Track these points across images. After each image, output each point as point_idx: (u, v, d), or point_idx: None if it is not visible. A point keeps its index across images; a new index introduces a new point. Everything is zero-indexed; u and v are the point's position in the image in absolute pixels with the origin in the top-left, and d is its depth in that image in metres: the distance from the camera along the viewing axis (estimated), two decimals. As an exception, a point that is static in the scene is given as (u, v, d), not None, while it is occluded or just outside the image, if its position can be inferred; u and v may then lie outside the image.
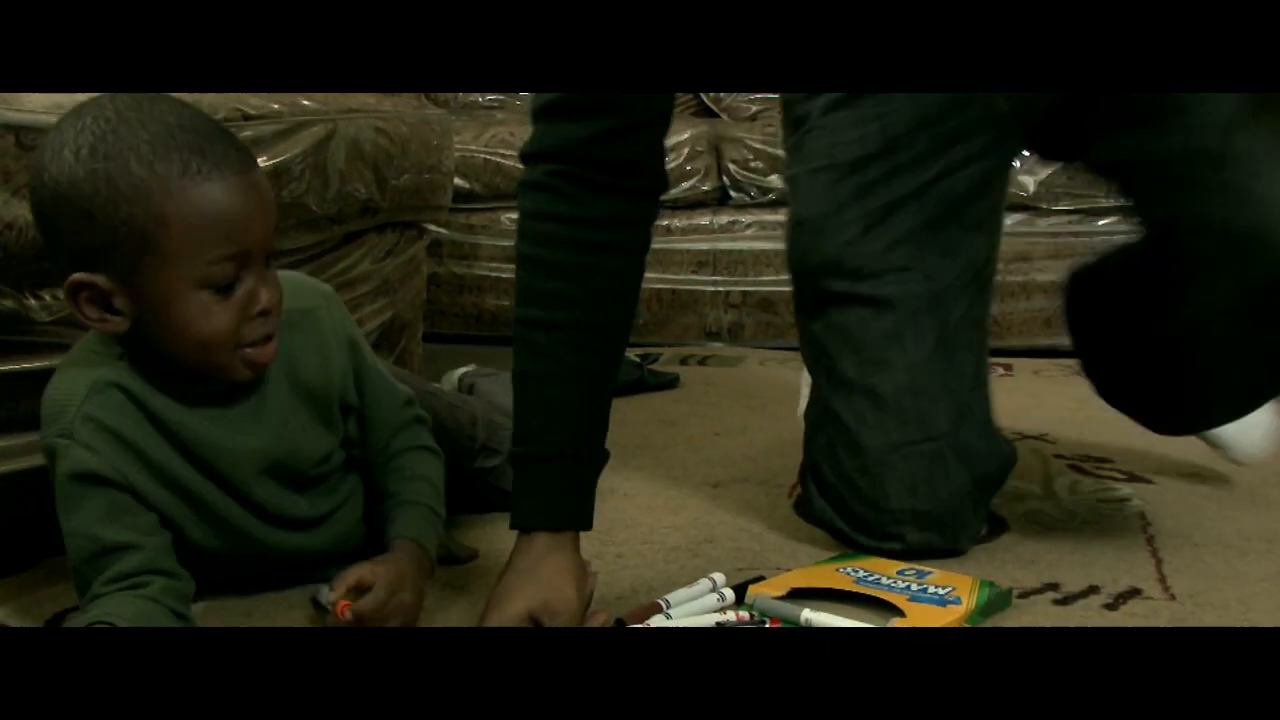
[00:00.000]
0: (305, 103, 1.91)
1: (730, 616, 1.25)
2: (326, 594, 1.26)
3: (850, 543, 1.47)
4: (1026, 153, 2.87)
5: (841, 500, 1.48)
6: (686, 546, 1.50)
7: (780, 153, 3.00)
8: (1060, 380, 2.62)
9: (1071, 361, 2.82)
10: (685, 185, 3.07)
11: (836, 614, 1.22)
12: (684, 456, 1.94)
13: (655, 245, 2.98)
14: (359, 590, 1.18)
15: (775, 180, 3.04)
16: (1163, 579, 1.38)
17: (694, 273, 3.07)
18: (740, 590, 1.30)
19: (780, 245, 3.00)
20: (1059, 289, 1.70)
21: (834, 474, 1.49)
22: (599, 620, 1.21)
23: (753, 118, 3.46)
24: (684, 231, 3.08)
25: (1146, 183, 1.36)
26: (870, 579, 1.33)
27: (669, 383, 2.53)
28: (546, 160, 1.26)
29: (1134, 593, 1.34)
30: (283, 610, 1.32)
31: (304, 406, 1.29)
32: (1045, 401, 2.37)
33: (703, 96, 3.62)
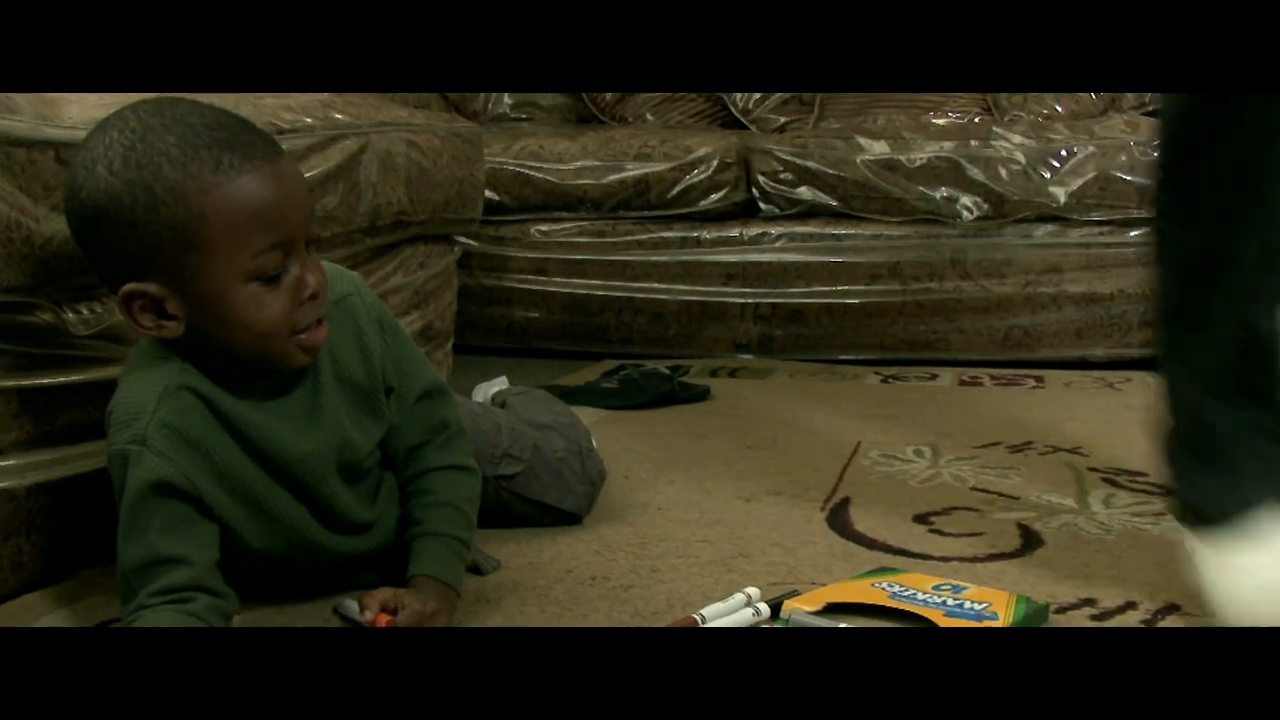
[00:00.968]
0: (338, 116, 1.92)
1: (766, 631, 1.24)
2: (352, 608, 1.27)
3: None
4: (1057, 163, 2.89)
5: None
6: (721, 561, 1.50)
7: (811, 164, 3.00)
8: (1092, 392, 2.61)
9: (1103, 373, 2.82)
10: (714, 197, 3.06)
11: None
12: (716, 470, 1.94)
13: (684, 257, 3.05)
14: (388, 611, 1.20)
15: (805, 192, 3.03)
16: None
17: (723, 285, 3.07)
18: (775, 605, 1.30)
19: (810, 257, 3.02)
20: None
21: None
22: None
23: (781, 129, 3.45)
24: (713, 244, 3.08)
25: None
26: (906, 594, 1.32)
27: (700, 395, 2.52)
28: None
29: (1172, 608, 1.33)
30: (316, 622, 1.32)
31: (351, 397, 1.30)
32: (1078, 414, 2.36)
33: (731, 108, 3.62)
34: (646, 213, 3.09)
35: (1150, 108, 3.38)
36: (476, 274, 3.12)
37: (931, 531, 1.62)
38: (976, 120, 3.37)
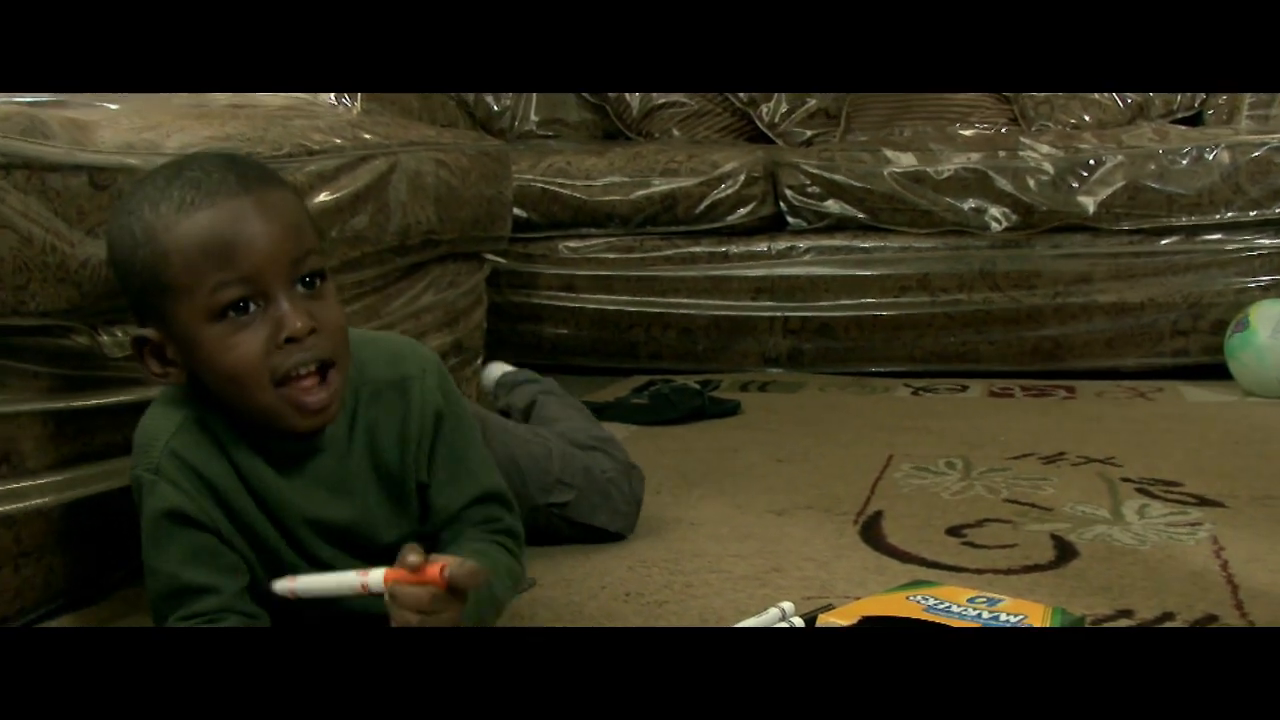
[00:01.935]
0: (366, 136, 1.94)
1: (801, 646, 1.24)
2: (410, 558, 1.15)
3: None
4: (1085, 172, 2.88)
5: None
6: (754, 575, 1.50)
7: (839, 177, 3.00)
8: (1124, 402, 2.59)
9: (1135, 383, 2.81)
10: (742, 212, 3.06)
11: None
12: (748, 484, 1.94)
13: (713, 272, 3.05)
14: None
15: (832, 205, 3.03)
16: (1239, 604, 1.36)
17: (752, 299, 3.07)
18: (810, 619, 1.30)
19: (839, 270, 3.02)
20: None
21: None
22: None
23: (808, 143, 3.46)
24: (741, 258, 3.08)
25: None
26: (941, 607, 1.31)
27: (730, 410, 2.52)
28: None
29: (1210, 619, 1.32)
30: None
31: (381, 484, 1.24)
32: (1110, 424, 2.35)
33: (757, 122, 3.62)
34: (674, 228, 3.10)
35: (1178, 115, 3.38)
36: (505, 291, 3.13)
37: (965, 544, 1.61)
38: (1004, 131, 3.36)
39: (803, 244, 3.06)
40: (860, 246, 3.03)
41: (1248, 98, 3.27)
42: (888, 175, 2.99)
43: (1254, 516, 1.70)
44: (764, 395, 2.77)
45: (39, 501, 1.36)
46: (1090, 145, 2.95)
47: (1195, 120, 3.35)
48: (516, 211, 2.88)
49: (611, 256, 3.13)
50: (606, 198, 3.10)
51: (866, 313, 3.01)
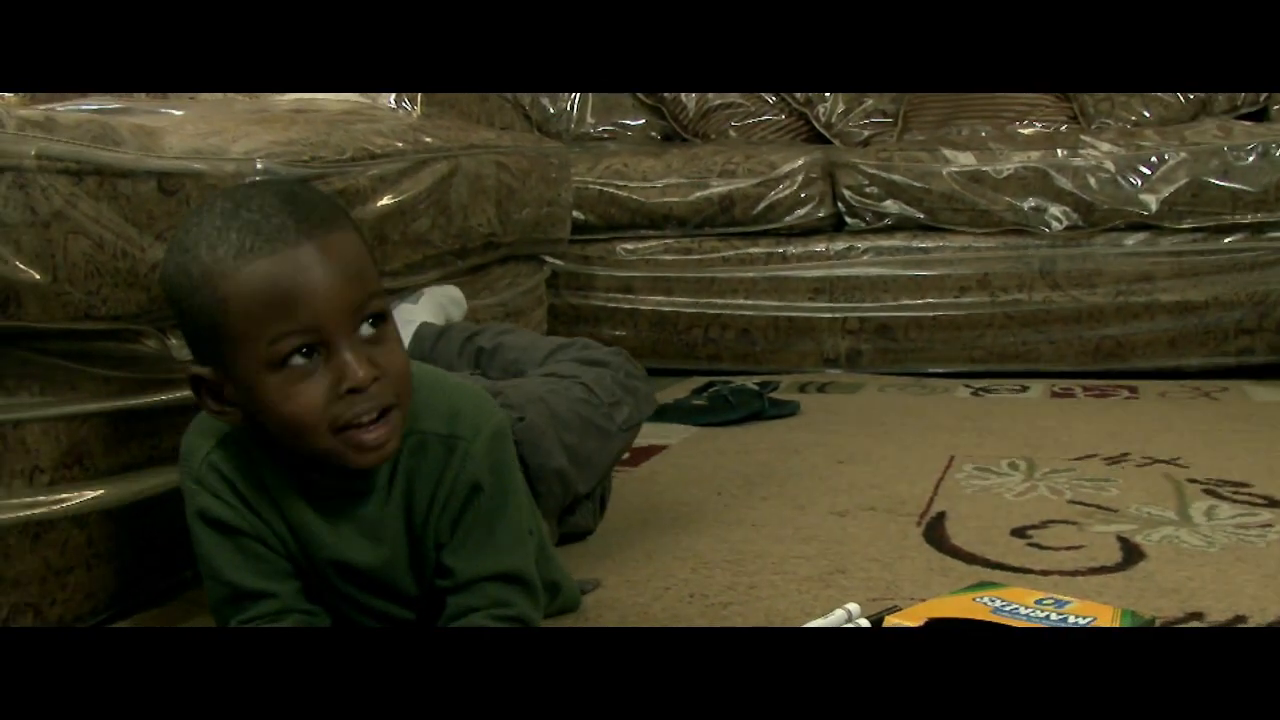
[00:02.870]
0: (428, 140, 1.95)
1: (867, 647, 1.24)
2: None
3: None
4: (1147, 170, 2.85)
5: None
6: (818, 577, 1.49)
7: (897, 177, 2.99)
8: (1187, 402, 2.57)
9: (1199, 383, 2.78)
10: (800, 212, 3.06)
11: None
12: (809, 485, 1.93)
13: (771, 273, 3.04)
14: None
15: (891, 205, 3.02)
16: (1311, 607, 1.35)
17: (810, 300, 3.06)
18: (877, 621, 1.29)
19: (898, 270, 3.01)
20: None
21: None
22: None
23: (865, 142, 3.44)
24: (799, 259, 3.07)
25: None
26: (1008, 609, 1.31)
27: (789, 411, 2.52)
28: None
29: (1282, 621, 1.31)
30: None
31: (407, 534, 1.20)
32: (1174, 424, 2.32)
33: (814, 122, 3.61)
34: (732, 229, 3.10)
35: (1243, 111, 3.33)
36: (564, 293, 3.14)
37: (1030, 545, 1.60)
38: (1063, 129, 3.33)
39: (861, 244, 3.05)
40: (919, 246, 3.02)
41: (1313, 92, 3.24)
42: (946, 175, 2.98)
43: (1325, 517, 1.68)
44: (823, 396, 2.76)
45: (109, 502, 1.37)
46: (1152, 142, 2.92)
47: (1260, 116, 3.30)
48: (575, 214, 2.89)
49: (669, 258, 3.13)
50: (664, 199, 3.10)
51: (926, 313, 3.00)
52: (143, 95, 1.92)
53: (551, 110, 3.78)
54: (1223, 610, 1.34)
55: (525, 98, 3.74)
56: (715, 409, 2.51)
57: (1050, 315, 2.94)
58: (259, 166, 1.50)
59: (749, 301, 3.09)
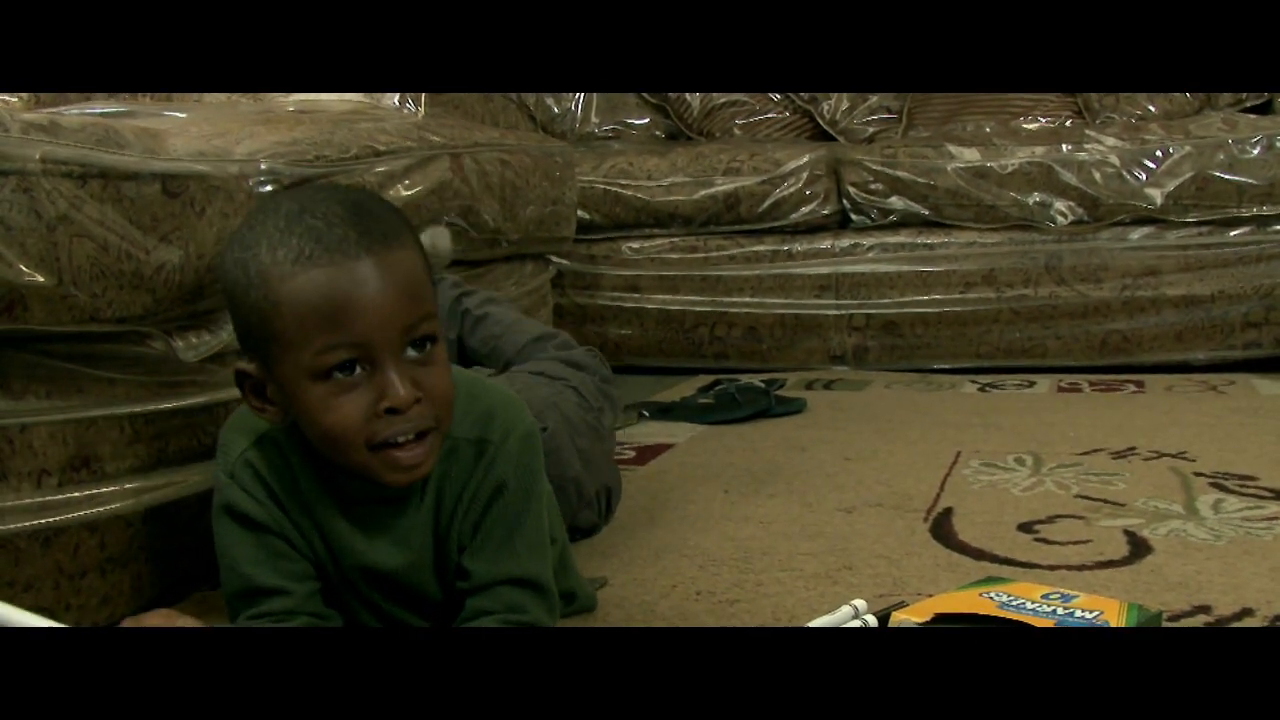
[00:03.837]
0: (433, 138, 1.95)
1: (874, 643, 1.23)
2: None
3: None
4: (1152, 164, 2.85)
5: None
6: (825, 573, 1.49)
7: (902, 174, 2.99)
8: (1194, 396, 2.56)
9: (1206, 376, 2.78)
10: (805, 210, 3.06)
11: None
12: (816, 482, 1.93)
13: (776, 270, 3.04)
14: None
15: (896, 202, 3.02)
16: (1319, 600, 1.35)
17: (816, 297, 3.07)
18: (884, 617, 1.29)
19: (903, 267, 3.01)
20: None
21: None
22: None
23: (870, 139, 3.44)
24: (805, 256, 3.07)
25: None
26: (1015, 603, 1.30)
27: (796, 408, 2.52)
28: None
29: (1290, 614, 1.31)
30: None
31: (434, 539, 1.20)
32: (1181, 418, 2.32)
33: (818, 119, 3.61)
34: (737, 227, 3.10)
35: (1247, 104, 3.33)
36: (569, 293, 3.14)
37: (1037, 540, 1.60)
38: (1068, 124, 3.33)
39: (866, 241, 3.06)
40: (924, 243, 3.02)
41: (1319, 85, 3.23)
42: (951, 171, 2.98)
43: (1332, 510, 1.68)
44: (829, 393, 2.76)
45: (119, 506, 1.38)
46: (1157, 136, 2.92)
47: (1265, 109, 3.30)
48: (579, 213, 2.89)
49: (675, 256, 3.13)
50: (669, 198, 3.10)
51: (932, 309, 3.00)
52: (147, 97, 1.93)
53: (556, 110, 3.78)
54: (1230, 603, 1.34)
55: (530, 98, 3.74)
56: (722, 407, 2.51)
57: (1056, 310, 2.94)
58: (263, 167, 1.50)
59: (755, 299, 3.09)
